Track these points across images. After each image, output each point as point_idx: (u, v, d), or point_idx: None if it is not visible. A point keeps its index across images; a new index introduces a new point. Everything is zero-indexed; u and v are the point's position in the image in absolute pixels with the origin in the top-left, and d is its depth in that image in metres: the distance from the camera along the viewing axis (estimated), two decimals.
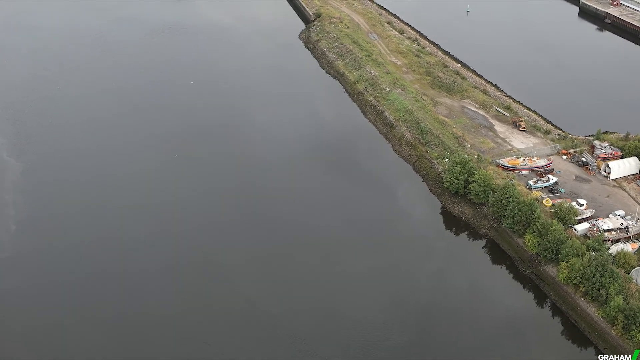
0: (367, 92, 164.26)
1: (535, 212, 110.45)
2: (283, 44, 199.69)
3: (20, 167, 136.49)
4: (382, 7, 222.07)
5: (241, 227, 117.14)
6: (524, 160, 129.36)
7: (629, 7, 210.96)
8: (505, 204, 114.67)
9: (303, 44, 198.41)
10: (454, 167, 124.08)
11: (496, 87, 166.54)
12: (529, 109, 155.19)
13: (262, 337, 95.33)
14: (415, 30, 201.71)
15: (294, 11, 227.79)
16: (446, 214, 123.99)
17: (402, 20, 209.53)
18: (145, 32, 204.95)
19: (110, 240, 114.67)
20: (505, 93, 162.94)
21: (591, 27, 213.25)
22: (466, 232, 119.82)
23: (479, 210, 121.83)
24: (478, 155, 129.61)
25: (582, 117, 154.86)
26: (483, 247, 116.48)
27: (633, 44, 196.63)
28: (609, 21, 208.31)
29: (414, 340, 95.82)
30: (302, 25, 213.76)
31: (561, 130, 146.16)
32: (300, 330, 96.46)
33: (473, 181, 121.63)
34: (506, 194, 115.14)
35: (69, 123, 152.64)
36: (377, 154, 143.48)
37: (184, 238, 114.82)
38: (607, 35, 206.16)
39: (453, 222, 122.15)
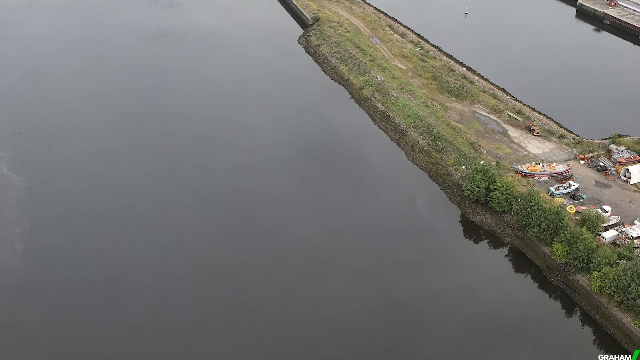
0: (375, 97, 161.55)
1: (562, 220, 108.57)
2: (283, 49, 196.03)
3: (23, 183, 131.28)
4: (379, 10, 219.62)
5: (260, 236, 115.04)
6: (543, 166, 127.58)
7: (627, 7, 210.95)
8: (530, 212, 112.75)
9: (303, 49, 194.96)
10: (475, 175, 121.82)
11: (503, 90, 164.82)
12: (539, 113, 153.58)
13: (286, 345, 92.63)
14: (415, 33, 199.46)
15: (289, 15, 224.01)
16: (468, 223, 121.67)
17: (401, 24, 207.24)
18: (140, 39, 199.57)
19: (122, 259, 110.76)
20: (513, 97, 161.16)
21: (590, 28, 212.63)
22: (490, 241, 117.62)
23: (501, 219, 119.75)
24: (497, 162, 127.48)
25: (591, 120, 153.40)
26: (509, 257, 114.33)
27: (635, 45, 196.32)
28: (608, 22, 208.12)
29: (450, 352, 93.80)
30: (300, 30, 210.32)
31: (573, 134, 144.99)
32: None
33: (495, 189, 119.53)
34: (531, 202, 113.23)
35: (68, 135, 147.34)
36: (391, 162, 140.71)
37: (200, 246, 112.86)
38: (607, 36, 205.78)
39: (476, 231, 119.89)
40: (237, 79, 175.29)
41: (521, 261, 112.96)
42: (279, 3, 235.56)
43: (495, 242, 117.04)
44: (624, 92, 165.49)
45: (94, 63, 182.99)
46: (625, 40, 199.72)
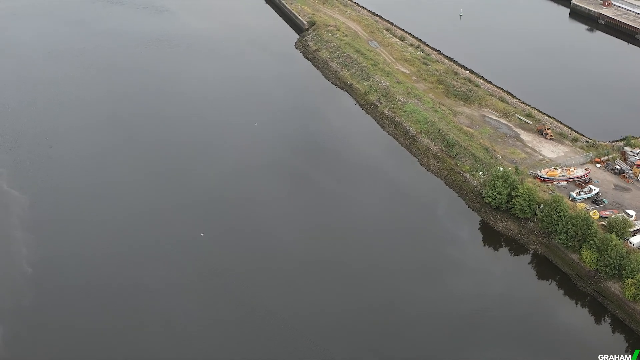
0: (381, 103, 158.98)
1: (591, 226, 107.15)
2: (280, 54, 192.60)
3: (26, 201, 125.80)
4: (374, 13, 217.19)
5: (284, 247, 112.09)
6: (562, 170, 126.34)
7: (620, 7, 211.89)
8: (556, 219, 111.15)
9: (302, 54, 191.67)
10: (496, 182, 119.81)
11: (509, 93, 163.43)
12: (547, 115, 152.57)
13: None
14: (413, 36, 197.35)
15: (283, 20, 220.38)
16: (490, 231, 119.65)
17: (398, 27, 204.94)
18: (132, 46, 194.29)
19: (135, 276, 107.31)
20: (520, 99, 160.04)
21: (585, 28, 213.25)
22: (515, 249, 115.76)
23: (525, 226, 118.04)
24: (516, 168, 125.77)
25: (599, 121, 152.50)
26: (536, 264, 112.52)
27: (632, 44, 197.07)
28: (603, 22, 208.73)
29: None
30: (296, 34, 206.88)
31: (584, 136, 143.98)
32: None
33: (517, 195, 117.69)
34: (556, 208, 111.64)
35: (67, 150, 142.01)
36: (404, 169, 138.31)
37: (208, 251, 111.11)
38: (603, 36, 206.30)
39: (499, 239, 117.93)
40: (237, 86, 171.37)
41: (549, 268, 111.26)
42: (270, 8, 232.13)
43: (521, 250, 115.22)
44: (629, 93, 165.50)
45: (87, 72, 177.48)
46: (622, 40, 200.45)
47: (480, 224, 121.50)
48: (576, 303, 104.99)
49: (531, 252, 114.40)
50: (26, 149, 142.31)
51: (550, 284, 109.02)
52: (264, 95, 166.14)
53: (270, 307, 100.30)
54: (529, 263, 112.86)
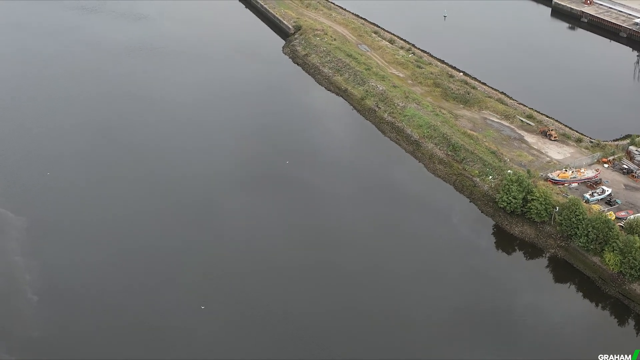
0: (379, 108, 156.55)
1: (612, 229, 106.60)
2: (269, 60, 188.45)
3: (24, 223, 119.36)
4: (358, 16, 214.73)
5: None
6: (572, 172, 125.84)
7: (602, 5, 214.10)
8: (575, 222, 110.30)
9: (291, 60, 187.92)
10: (510, 186, 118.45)
11: (504, 94, 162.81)
12: (547, 116, 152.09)
13: None
14: (402, 39, 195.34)
15: (266, 25, 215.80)
16: (507, 236, 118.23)
17: (384, 29, 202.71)
18: (110, 56, 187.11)
19: (144, 299, 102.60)
20: (517, 100, 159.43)
21: (569, 27, 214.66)
22: (534, 254, 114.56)
23: (541, 229, 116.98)
24: (528, 171, 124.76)
25: (597, 120, 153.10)
26: (557, 268, 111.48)
27: (616, 42, 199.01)
28: (586, 20, 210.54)
29: None
30: (281, 39, 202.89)
31: (585, 136, 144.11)
32: None
33: (533, 199, 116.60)
34: (575, 211, 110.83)
35: (58, 165, 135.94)
36: (411, 175, 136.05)
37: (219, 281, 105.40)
38: (587, 34, 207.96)
39: (517, 244, 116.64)
40: (227, 94, 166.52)
41: (570, 272, 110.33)
42: (251, 12, 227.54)
43: (540, 254, 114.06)
44: (622, 91, 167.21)
45: (70, 84, 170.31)
46: (606, 38, 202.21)
47: (496, 229, 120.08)
48: (602, 306, 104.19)
49: (551, 256, 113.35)
50: (15, 167, 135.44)
51: (574, 288, 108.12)
52: (256, 103, 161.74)
53: (304, 316, 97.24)
54: (550, 267, 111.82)
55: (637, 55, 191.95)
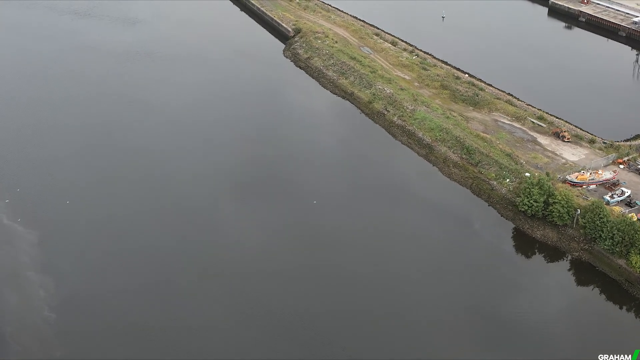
0: (389, 111, 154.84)
1: (638, 231, 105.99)
2: (270, 63, 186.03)
3: (35, 237, 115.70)
4: (356, 18, 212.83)
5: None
6: (591, 174, 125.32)
7: (599, 4, 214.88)
8: (599, 225, 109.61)
9: (293, 63, 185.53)
10: (531, 189, 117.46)
11: (511, 95, 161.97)
12: (556, 117, 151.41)
13: None
14: (403, 40, 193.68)
15: (264, 28, 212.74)
16: (529, 240, 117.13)
17: (384, 31, 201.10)
18: (112, 62, 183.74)
19: (162, 310, 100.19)
20: (525, 102, 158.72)
21: (567, 27, 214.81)
22: (558, 257, 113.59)
23: (563, 232, 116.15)
24: (547, 174, 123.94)
25: (606, 121, 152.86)
26: (582, 272, 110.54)
27: (616, 41, 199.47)
28: (584, 19, 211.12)
29: None
30: (281, 42, 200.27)
31: (596, 136, 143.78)
32: None
33: (554, 202, 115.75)
34: (599, 214, 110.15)
35: (64, 176, 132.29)
36: (426, 180, 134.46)
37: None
38: (587, 34, 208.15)
39: (540, 248, 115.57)
40: (229, 97, 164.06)
41: (596, 275, 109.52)
42: (247, 15, 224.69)
43: (564, 258, 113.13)
44: (628, 90, 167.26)
45: (72, 90, 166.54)
46: (605, 38, 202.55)
47: (517, 233, 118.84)
48: (631, 309, 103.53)
49: (575, 259, 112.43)
50: (19, 177, 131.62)
51: (601, 291, 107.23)
52: (260, 106, 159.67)
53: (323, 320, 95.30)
54: (575, 271, 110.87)
55: (637, 54, 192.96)
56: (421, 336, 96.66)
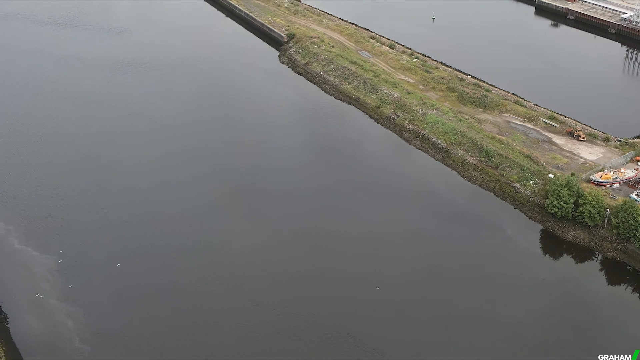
0: (398, 116, 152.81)
1: None
2: (268, 70, 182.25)
3: (52, 263, 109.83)
4: (346, 21, 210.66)
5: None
6: (614, 173, 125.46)
7: (586, 2, 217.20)
8: (634, 224, 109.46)
9: (291, 69, 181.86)
10: (561, 191, 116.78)
11: (515, 95, 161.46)
12: (564, 116, 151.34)
13: None
14: (398, 43, 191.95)
15: (255, 34, 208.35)
16: (561, 242, 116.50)
17: (377, 34, 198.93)
18: (103, 73, 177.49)
19: (194, 332, 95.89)
20: (531, 101, 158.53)
21: (555, 25, 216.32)
22: (592, 258, 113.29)
23: (595, 233, 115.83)
24: (572, 174, 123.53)
25: (614, 118, 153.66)
26: (618, 272, 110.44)
27: (606, 38, 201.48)
28: (572, 17, 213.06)
29: None
30: (274, 49, 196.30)
31: (606, 134, 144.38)
32: None
33: (585, 203, 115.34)
34: (632, 213, 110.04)
35: (72, 195, 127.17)
36: (447, 184, 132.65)
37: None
38: (576, 31, 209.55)
39: (573, 250, 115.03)
40: (236, 109, 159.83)
41: (632, 275, 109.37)
42: (235, 22, 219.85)
43: (599, 259, 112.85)
44: (625, 87, 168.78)
45: (59, 107, 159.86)
46: (595, 35, 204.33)
47: (548, 235, 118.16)
48: None
49: (610, 260, 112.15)
50: (24, 200, 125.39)
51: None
52: (267, 116, 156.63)
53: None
54: (613, 272, 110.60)
55: (626, 50, 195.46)
56: (473, 338, 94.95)
